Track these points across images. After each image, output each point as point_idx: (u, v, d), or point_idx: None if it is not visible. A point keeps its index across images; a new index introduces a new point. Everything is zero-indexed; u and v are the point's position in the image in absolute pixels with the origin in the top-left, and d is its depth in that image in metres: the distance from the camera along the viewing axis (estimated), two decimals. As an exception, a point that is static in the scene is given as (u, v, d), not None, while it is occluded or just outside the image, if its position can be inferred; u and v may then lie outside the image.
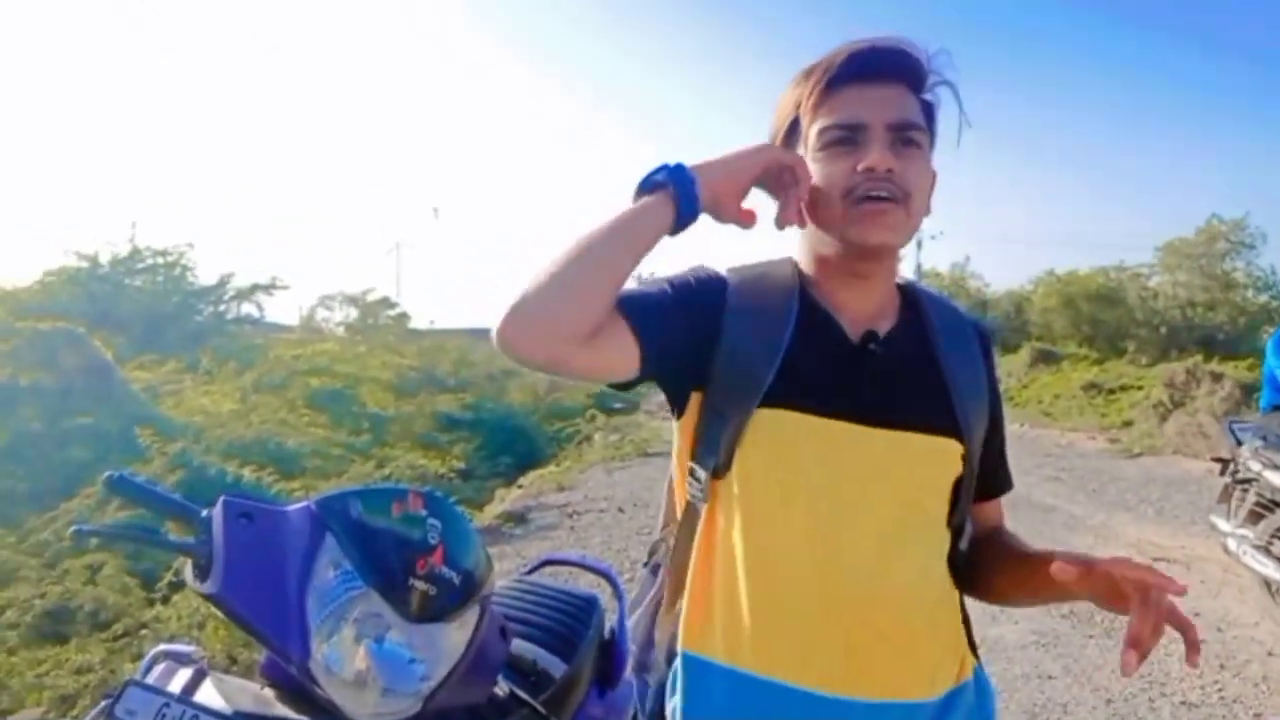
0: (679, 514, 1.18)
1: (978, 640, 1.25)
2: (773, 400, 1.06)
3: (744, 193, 1.10)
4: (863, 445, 1.07)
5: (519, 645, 1.61)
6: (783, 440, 1.07)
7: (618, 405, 18.38)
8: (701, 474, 1.10)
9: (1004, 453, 1.28)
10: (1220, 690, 3.74)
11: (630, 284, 1.06)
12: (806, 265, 1.17)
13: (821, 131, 1.07)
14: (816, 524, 1.06)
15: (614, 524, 7.01)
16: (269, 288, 13.27)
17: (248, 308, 13.51)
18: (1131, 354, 18.88)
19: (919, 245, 37.39)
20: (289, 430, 6.84)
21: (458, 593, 1.25)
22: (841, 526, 1.06)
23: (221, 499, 1.20)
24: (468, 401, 11.94)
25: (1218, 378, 13.01)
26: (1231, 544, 4.75)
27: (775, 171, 1.10)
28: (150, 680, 1.24)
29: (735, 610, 1.08)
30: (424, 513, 1.26)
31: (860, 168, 1.03)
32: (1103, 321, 21.26)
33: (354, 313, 20.48)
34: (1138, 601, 0.95)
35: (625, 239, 1.03)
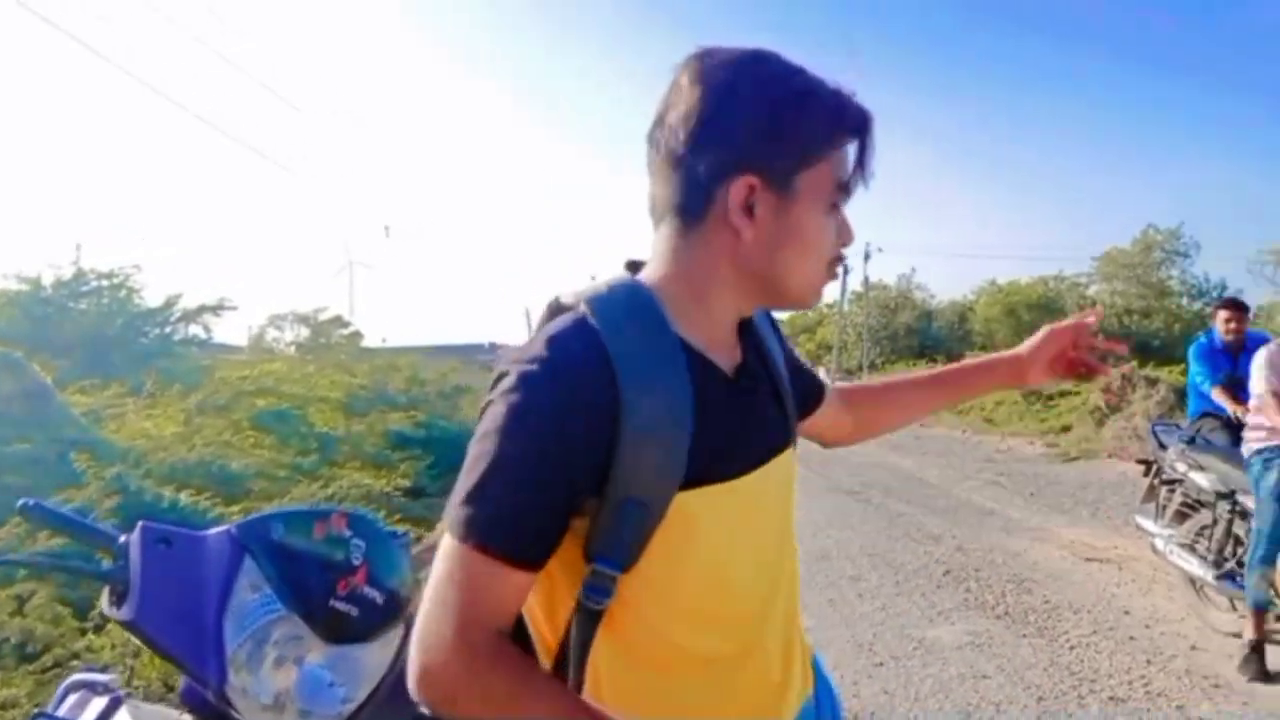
0: (555, 621, 1.01)
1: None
2: (688, 483, 0.96)
3: None
4: (754, 492, 1.05)
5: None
6: (697, 517, 0.98)
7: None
8: (610, 575, 0.95)
9: (803, 366, 1.32)
10: (1146, 685, 3.86)
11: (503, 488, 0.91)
12: (675, 290, 1.02)
13: (836, 190, 1.01)
14: (734, 586, 1.04)
15: (564, 539, 7.02)
16: (217, 309, 13.00)
17: (195, 329, 13.23)
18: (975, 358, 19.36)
19: (866, 258, 38.11)
20: (233, 452, 6.71)
21: (381, 612, 1.27)
22: (750, 580, 1.06)
23: (139, 525, 1.21)
24: (420, 419, 11.78)
25: (1153, 383, 13.43)
26: (1159, 543, 4.91)
27: None
28: (63, 711, 1.24)
29: (675, 702, 1.02)
30: (348, 533, 1.28)
31: (845, 241, 1.05)
32: (1042, 328, 21.75)
33: (305, 332, 20.22)
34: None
35: None
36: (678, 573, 0.99)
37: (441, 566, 0.93)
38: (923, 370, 1.57)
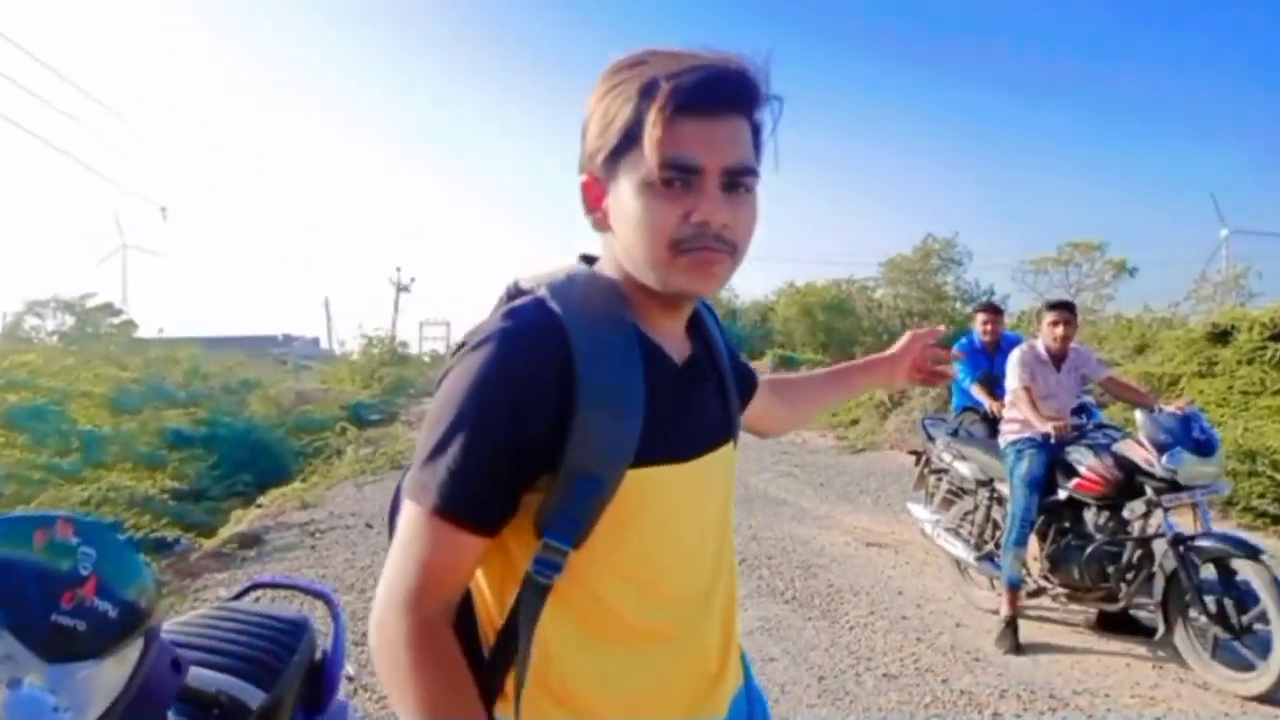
0: (504, 597, 1.02)
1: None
2: (639, 461, 0.98)
3: None
4: (699, 477, 1.08)
5: (201, 677, 1.51)
6: (646, 497, 1.01)
7: (374, 417, 17.75)
8: (560, 550, 0.97)
9: (739, 360, 1.37)
10: (916, 661, 4.15)
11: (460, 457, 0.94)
12: (626, 285, 1.06)
13: (656, 168, 0.95)
14: (679, 568, 1.07)
15: (360, 540, 6.75)
16: (-41, 292, 11.65)
17: (-67, 315, 11.80)
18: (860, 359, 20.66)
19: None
20: (-24, 453, 6.05)
21: (114, 626, 1.15)
22: (693, 563, 1.09)
23: None
24: (201, 416, 11.06)
25: (930, 379, 14.48)
26: (927, 528, 5.31)
27: None
28: None
29: (619, 677, 1.04)
30: (75, 541, 1.15)
31: (694, 219, 0.96)
32: (836, 329, 23.14)
33: (70, 320, 18.42)
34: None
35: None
36: (624, 549, 1.01)
37: (401, 530, 0.98)
38: (821, 369, 1.74)
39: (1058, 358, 4.66)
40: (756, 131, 1.03)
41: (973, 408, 5.79)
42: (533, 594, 0.98)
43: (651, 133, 0.94)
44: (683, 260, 0.98)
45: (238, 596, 2.18)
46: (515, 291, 1.08)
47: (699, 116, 0.96)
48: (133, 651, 1.18)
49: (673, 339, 1.10)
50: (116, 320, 18.88)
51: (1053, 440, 4.39)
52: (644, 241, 0.99)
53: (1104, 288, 31.87)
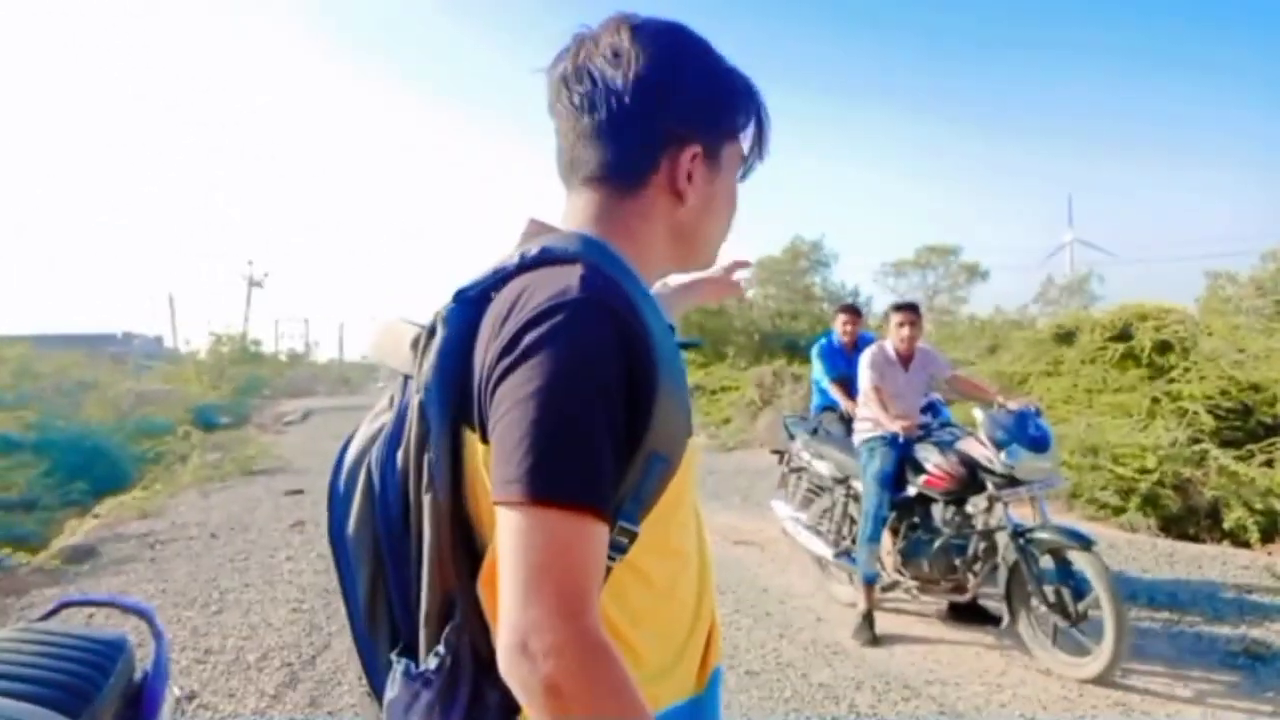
0: None
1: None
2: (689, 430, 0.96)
3: None
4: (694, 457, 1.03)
5: (-8, 707, 1.34)
6: (690, 468, 0.97)
7: (224, 420, 16.88)
8: (629, 531, 0.88)
9: None
10: (778, 656, 4.19)
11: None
12: (631, 256, 1.00)
13: (747, 162, 1.11)
14: (694, 539, 1.05)
15: (204, 552, 6.37)
16: None
17: None
18: (732, 358, 20.97)
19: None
20: None
21: None
22: (696, 533, 1.06)
23: None
24: (30, 420, 10.25)
25: (798, 379, 14.81)
26: (789, 526, 5.38)
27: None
28: None
29: (655, 655, 0.97)
30: None
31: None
32: (708, 329, 23.40)
33: (-124, 317, 16.78)
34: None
35: None
36: (674, 523, 0.97)
37: (520, 544, 0.79)
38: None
39: (905, 358, 4.80)
40: None
41: (831, 407, 5.91)
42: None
43: (764, 138, 1.09)
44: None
45: (46, 617, 2.01)
46: (548, 257, 0.93)
47: None
48: None
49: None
50: (-67, 317, 17.32)
51: (901, 439, 4.51)
52: (725, 225, 1.10)
53: (958, 290, 33.59)
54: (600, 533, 0.82)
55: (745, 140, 1.08)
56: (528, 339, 0.84)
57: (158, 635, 1.98)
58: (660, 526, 0.93)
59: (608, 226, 1.00)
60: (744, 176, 1.11)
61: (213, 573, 5.77)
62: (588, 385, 0.83)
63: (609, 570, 0.87)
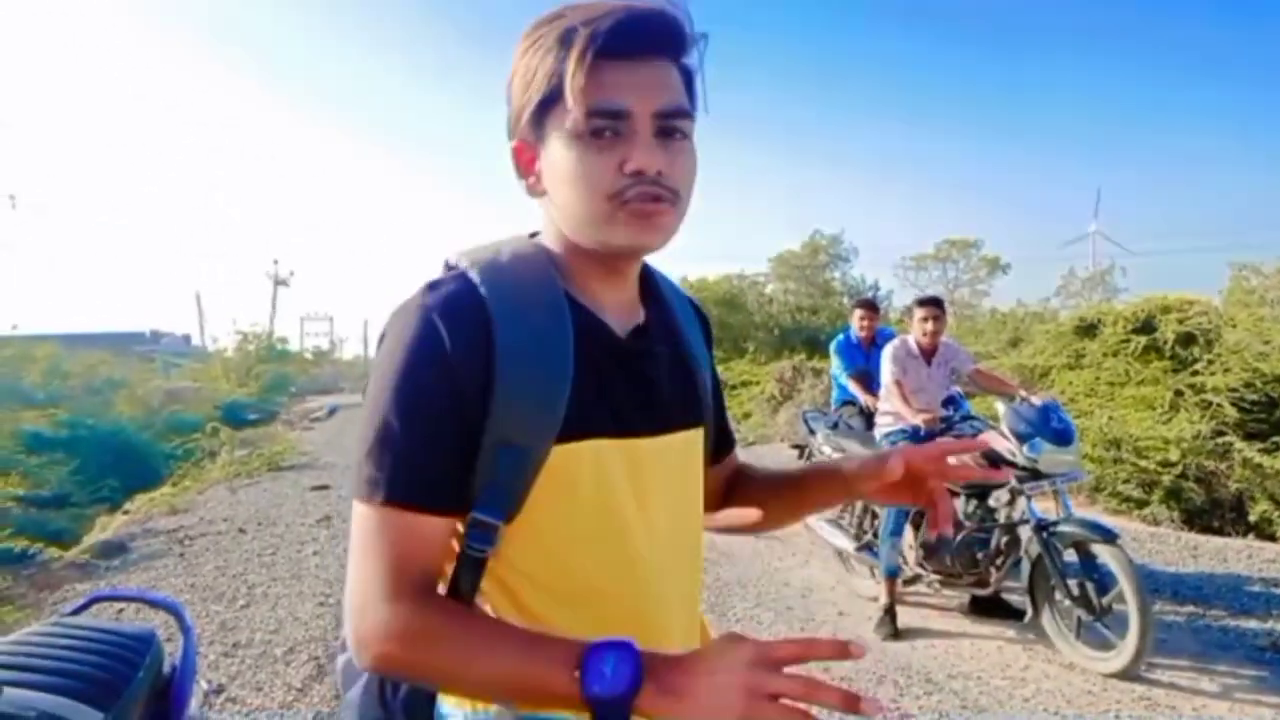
0: (445, 569, 0.98)
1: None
2: (568, 434, 0.94)
3: None
4: (649, 457, 1.02)
5: (21, 699, 1.38)
6: (579, 472, 0.96)
7: (251, 417, 17.07)
8: (491, 525, 0.93)
9: (724, 410, 1.30)
10: (799, 651, 4.19)
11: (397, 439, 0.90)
12: (560, 249, 1.02)
13: (581, 118, 0.91)
14: (621, 547, 1.00)
15: (233, 547, 6.46)
16: None
17: None
18: (752, 354, 20.96)
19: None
20: None
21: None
22: (640, 545, 1.01)
23: None
24: (61, 418, 10.42)
25: (819, 373, 14.81)
26: (810, 519, 5.38)
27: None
28: None
29: None
30: None
31: (628, 170, 0.92)
32: (729, 324, 23.40)
33: (-90, 317, 17.08)
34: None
35: (505, 694, 0.87)
36: (562, 526, 0.97)
37: (356, 533, 0.91)
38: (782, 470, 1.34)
39: (928, 352, 4.80)
40: (688, 76, 0.98)
41: (851, 401, 5.92)
42: (468, 568, 0.95)
43: (574, 81, 0.90)
44: (622, 213, 0.93)
45: (76, 611, 2.04)
46: (445, 268, 1.02)
47: (622, 60, 0.92)
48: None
49: (617, 308, 1.04)
50: (-35, 317, 17.61)
51: (924, 432, 4.51)
52: (580, 198, 0.94)
53: (979, 283, 33.40)
54: (413, 522, 0.90)
55: (563, 98, 0.91)
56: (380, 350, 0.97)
57: (186, 630, 2.01)
58: (549, 530, 0.96)
59: (543, 227, 1.05)
60: (608, 127, 0.92)
61: (241, 567, 5.86)
62: (399, 388, 0.91)
63: (484, 564, 0.95)
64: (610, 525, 1.00)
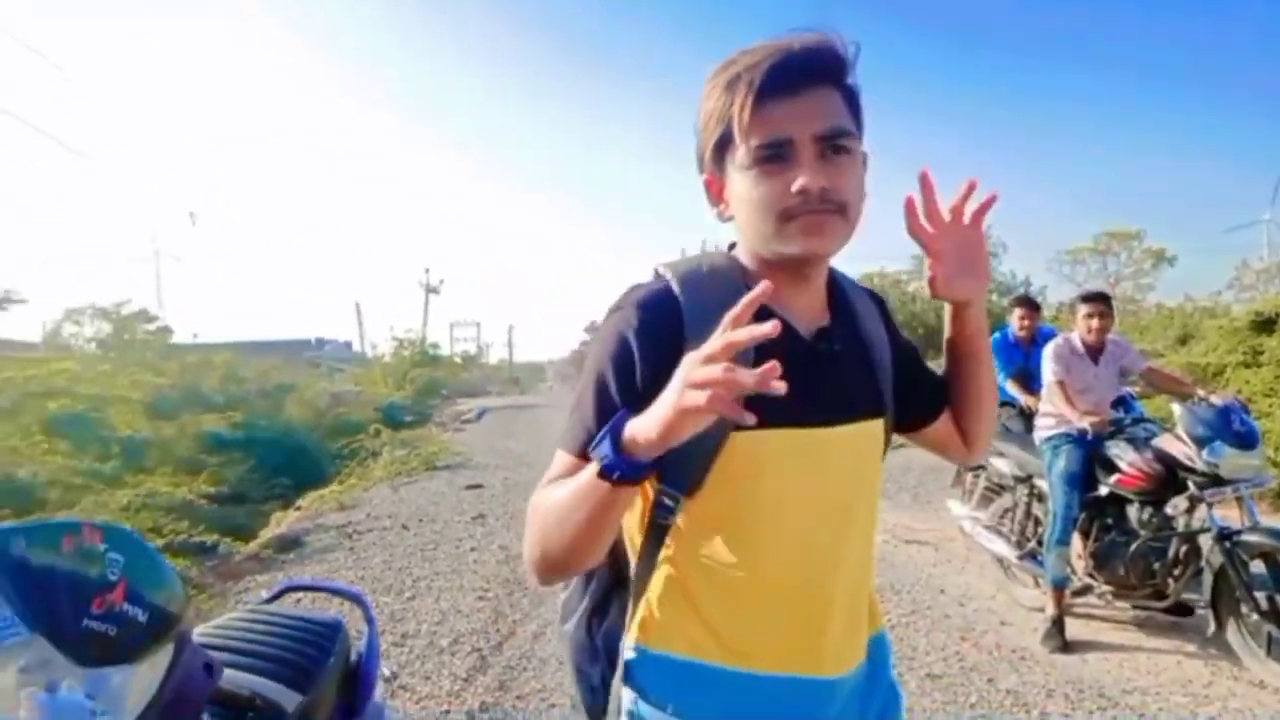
0: (637, 531, 1.18)
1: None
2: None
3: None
4: (828, 445, 1.13)
5: (236, 679, 1.51)
6: (761, 458, 1.09)
7: (408, 419, 17.87)
8: (674, 496, 1.11)
9: (926, 369, 1.39)
10: (960, 660, 4.07)
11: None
12: (751, 262, 1.17)
13: (750, 150, 1.06)
14: (796, 528, 1.13)
15: (397, 542, 6.79)
16: (2, 302, 11.83)
17: (-23, 324, 12.00)
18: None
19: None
20: (21, 459, 6.12)
21: (145, 631, 1.14)
22: (813, 526, 1.14)
23: None
24: (238, 420, 11.21)
25: (967, 374, 14.29)
26: (967, 525, 5.22)
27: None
28: None
29: (725, 615, 1.15)
30: (102, 547, 1.14)
31: (794, 189, 1.05)
32: (871, 324, 22.87)
33: (107, 327, 18.73)
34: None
35: (586, 515, 1.01)
36: (738, 506, 1.11)
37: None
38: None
39: (1094, 350, 4.56)
40: (851, 95, 1.11)
41: (1009, 403, 5.69)
42: (654, 536, 1.14)
43: (740, 120, 1.06)
44: (792, 226, 1.06)
45: (271, 599, 2.19)
46: (655, 276, 1.18)
47: (781, 96, 1.06)
48: (164, 655, 1.18)
49: (802, 311, 1.17)
50: (152, 326, 19.16)
51: (1090, 436, 4.29)
52: (757, 218, 1.09)
53: (1143, 277, 31.36)
54: (574, 467, 1.07)
55: (745, 128, 1.06)
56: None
57: (370, 619, 2.12)
58: (715, 501, 1.11)
59: (739, 244, 1.20)
60: (773, 154, 1.06)
61: (405, 561, 6.15)
62: (591, 370, 1.11)
63: (666, 531, 1.14)
64: (784, 508, 1.12)
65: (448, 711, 3.65)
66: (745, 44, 1.11)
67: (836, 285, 1.24)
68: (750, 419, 0.86)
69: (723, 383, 0.84)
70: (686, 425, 0.89)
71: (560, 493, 1.04)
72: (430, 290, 47.94)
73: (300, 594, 4.91)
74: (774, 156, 1.06)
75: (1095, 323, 4.52)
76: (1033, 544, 4.74)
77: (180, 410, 10.44)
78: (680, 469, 1.08)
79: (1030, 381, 5.45)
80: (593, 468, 0.97)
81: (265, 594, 2.28)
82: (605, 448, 0.95)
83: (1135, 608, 4.51)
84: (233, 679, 1.50)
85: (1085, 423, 4.25)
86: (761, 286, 0.88)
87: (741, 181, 1.09)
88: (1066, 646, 4.18)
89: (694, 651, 1.15)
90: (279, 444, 11.29)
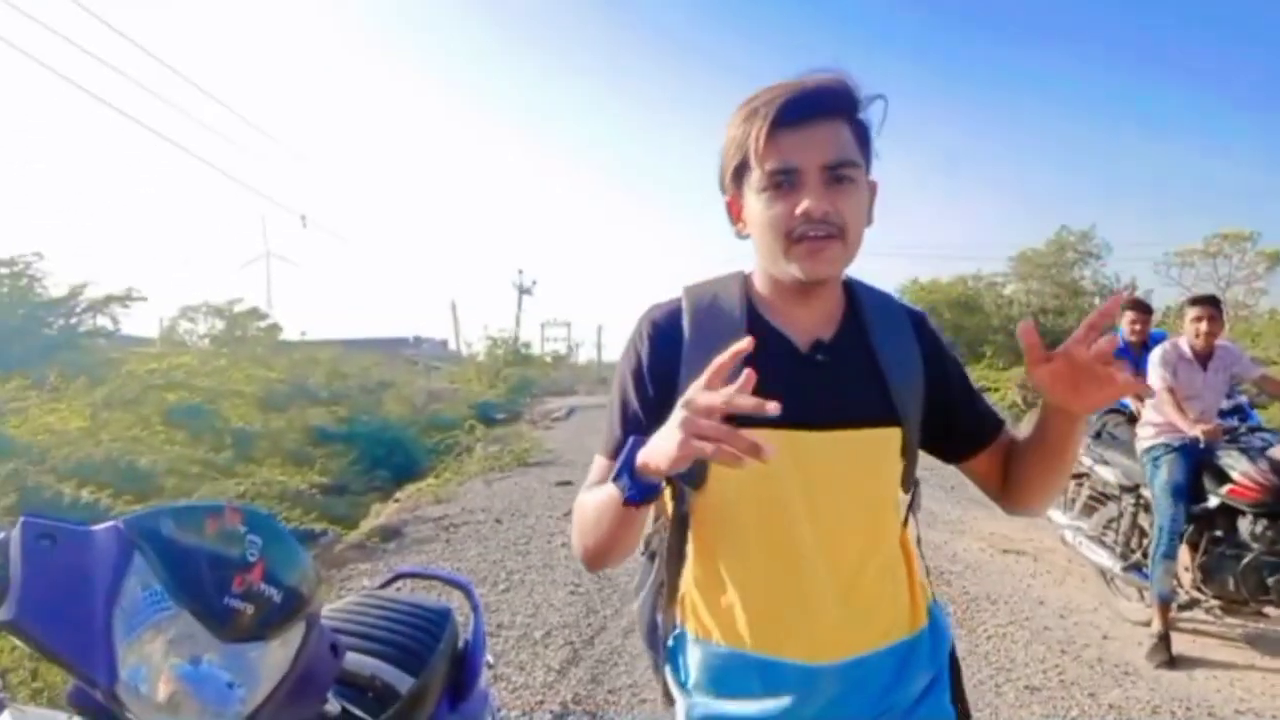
0: (669, 517, 1.35)
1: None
2: (735, 422, 1.11)
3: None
4: (816, 448, 1.22)
5: (357, 661, 1.58)
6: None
7: (500, 416, 18.21)
8: (686, 489, 1.28)
9: (976, 400, 1.40)
10: (1060, 673, 3.97)
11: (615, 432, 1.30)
12: (760, 281, 1.31)
13: (764, 175, 1.19)
14: (782, 524, 1.24)
15: (491, 535, 6.94)
16: (125, 299, 12.43)
17: (102, 320, 12.67)
18: (989, 358, 19.84)
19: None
20: (142, 448, 6.45)
21: (279, 610, 1.21)
22: (800, 522, 1.23)
23: (21, 520, 1.13)
24: (342, 414, 11.58)
25: (1067, 379, 13.77)
26: (1069, 535, 5.06)
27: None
28: (-58, 716, 1.17)
29: (724, 599, 1.28)
30: (243, 529, 1.22)
31: (798, 212, 1.16)
32: (963, 328, 22.29)
33: (220, 325, 19.59)
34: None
35: (610, 524, 1.16)
36: (728, 497, 1.25)
37: None
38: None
39: (1203, 356, 4.38)
40: (861, 129, 1.23)
41: (1118, 409, 5.49)
42: (677, 525, 1.32)
43: (755, 148, 1.18)
44: (796, 249, 1.18)
45: (384, 585, 2.28)
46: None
47: (793, 127, 1.17)
48: (296, 635, 1.25)
49: (805, 325, 1.28)
50: (262, 324, 19.93)
51: (1201, 444, 4.12)
52: (768, 238, 1.21)
53: (1257, 281, 29.67)
54: (601, 463, 1.29)
55: (759, 157, 1.19)
56: None
57: (476, 608, 2.18)
58: (723, 503, 1.26)
59: (755, 263, 1.33)
60: (783, 180, 1.18)
61: (499, 554, 6.29)
62: (618, 379, 1.32)
63: (686, 521, 1.31)
64: (772, 506, 1.23)
65: (542, 702, 3.73)
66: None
67: (856, 300, 1.34)
68: (749, 463, 0.95)
69: (723, 438, 0.95)
70: (689, 458, 0.99)
71: (591, 501, 1.21)
72: (523, 290, 48.74)
73: (397, 584, 5.11)
74: (784, 183, 1.18)
75: (1204, 326, 4.34)
76: (1137, 556, 4.58)
77: (288, 404, 10.86)
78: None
79: (1140, 388, 5.25)
80: (613, 489, 1.11)
81: (376, 580, 2.37)
82: (624, 478, 1.09)
83: (1247, 624, 4.31)
84: (353, 660, 1.57)
85: (1197, 431, 4.09)
86: (745, 342, 0.99)
87: (755, 203, 1.22)
88: (1173, 662, 4.03)
89: (703, 634, 1.32)
90: (379, 438, 11.62)
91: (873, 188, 1.26)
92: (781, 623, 1.26)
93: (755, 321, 1.26)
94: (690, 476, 1.23)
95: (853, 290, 1.35)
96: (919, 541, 1.47)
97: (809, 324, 1.28)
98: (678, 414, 0.99)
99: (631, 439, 1.10)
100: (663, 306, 1.31)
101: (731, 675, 1.29)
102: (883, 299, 1.37)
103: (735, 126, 1.22)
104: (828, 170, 1.17)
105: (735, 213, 1.29)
